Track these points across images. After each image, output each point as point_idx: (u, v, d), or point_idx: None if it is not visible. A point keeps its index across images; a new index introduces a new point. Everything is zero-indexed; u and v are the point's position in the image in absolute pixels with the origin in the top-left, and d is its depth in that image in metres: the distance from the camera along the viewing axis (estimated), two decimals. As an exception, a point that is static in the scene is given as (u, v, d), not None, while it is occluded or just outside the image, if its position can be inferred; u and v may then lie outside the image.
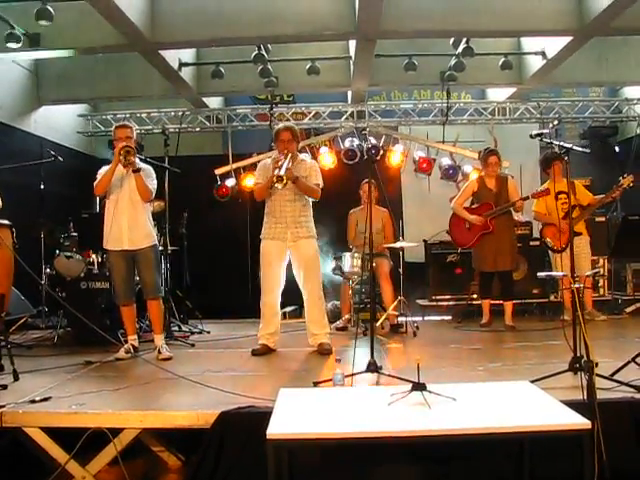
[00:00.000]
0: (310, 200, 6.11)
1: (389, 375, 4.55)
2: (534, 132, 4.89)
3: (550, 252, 7.56)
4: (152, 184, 5.92)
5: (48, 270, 7.40)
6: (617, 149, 10.69)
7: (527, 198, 7.27)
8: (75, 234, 7.33)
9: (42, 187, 8.05)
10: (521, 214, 7.84)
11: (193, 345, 6.70)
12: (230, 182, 10.27)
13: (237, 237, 9.95)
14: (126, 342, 5.96)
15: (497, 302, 7.68)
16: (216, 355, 6.18)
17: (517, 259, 7.62)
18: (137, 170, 5.72)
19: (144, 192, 5.80)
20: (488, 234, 7.33)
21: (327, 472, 3.65)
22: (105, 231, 5.87)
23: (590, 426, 2.92)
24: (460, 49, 8.43)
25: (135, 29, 7.09)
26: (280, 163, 5.77)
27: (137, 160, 5.76)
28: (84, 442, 3.86)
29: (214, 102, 10.91)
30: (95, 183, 5.83)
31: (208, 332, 7.63)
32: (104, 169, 5.86)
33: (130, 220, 5.80)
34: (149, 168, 5.98)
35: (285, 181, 5.67)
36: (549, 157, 7.35)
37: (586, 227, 7.55)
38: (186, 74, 9.11)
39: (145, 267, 5.93)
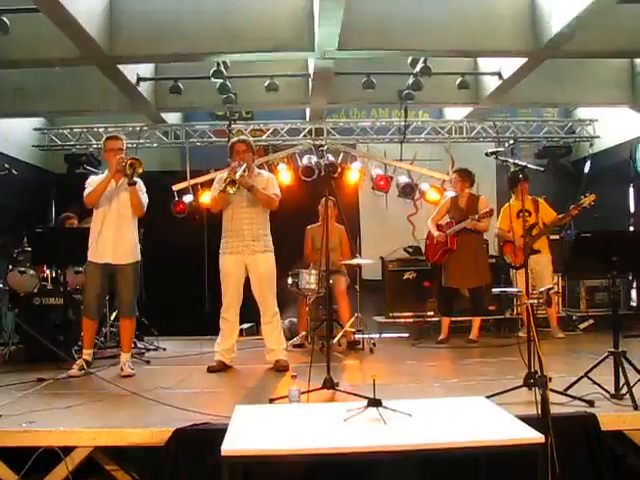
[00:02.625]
0: (267, 213, 6.11)
1: (345, 392, 4.54)
2: (489, 150, 4.99)
3: (510, 269, 7.68)
4: (145, 198, 5.94)
5: (0, 285, 7.25)
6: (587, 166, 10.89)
7: (474, 219, 7.40)
8: (29, 249, 7.20)
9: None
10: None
11: (148, 362, 6.64)
12: (188, 198, 10.22)
13: (194, 253, 9.87)
14: (79, 357, 5.86)
15: (457, 319, 7.79)
16: (171, 372, 6.12)
17: (487, 276, 7.69)
18: (134, 183, 5.73)
19: (138, 205, 5.83)
20: (451, 251, 7.47)
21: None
22: (90, 242, 5.84)
23: (543, 440, 2.96)
24: (418, 68, 8.53)
25: (93, 42, 7.00)
26: (234, 170, 5.81)
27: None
28: (34, 462, 3.77)
29: (172, 118, 10.84)
30: (86, 193, 5.81)
31: (164, 349, 7.58)
32: (93, 179, 5.90)
33: (116, 233, 5.80)
34: (141, 181, 5.97)
35: (237, 185, 5.72)
36: (515, 178, 7.45)
37: (548, 245, 7.68)
38: (144, 89, 9.04)
39: (125, 285, 5.90)
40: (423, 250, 8.36)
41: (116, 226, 5.80)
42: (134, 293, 6.01)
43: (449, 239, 7.51)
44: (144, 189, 6.00)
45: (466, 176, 7.73)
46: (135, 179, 5.79)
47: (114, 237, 5.78)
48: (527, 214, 7.38)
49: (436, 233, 7.61)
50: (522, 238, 6.80)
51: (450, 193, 7.93)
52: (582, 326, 8.43)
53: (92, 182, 5.88)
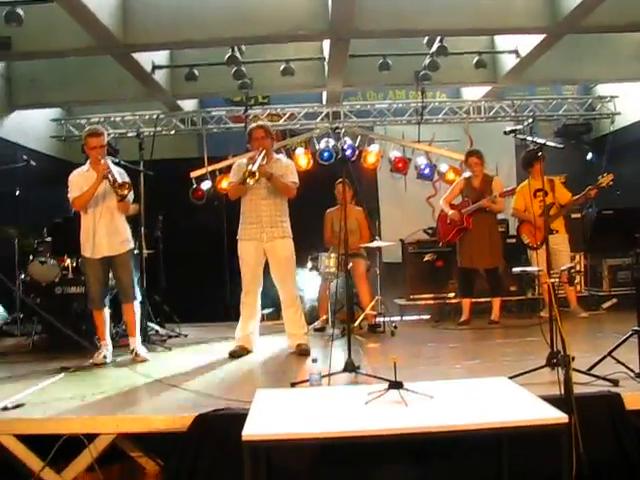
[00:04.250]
0: (286, 200, 6.10)
1: (366, 374, 4.54)
2: (508, 129, 4.93)
3: (528, 249, 7.60)
4: (131, 198, 5.89)
5: (22, 276, 7.30)
6: (589, 155, 10.76)
7: (495, 197, 7.35)
8: (49, 239, 7.24)
9: (17, 193, 7.93)
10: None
11: (170, 349, 6.66)
12: (206, 185, 10.24)
13: (213, 240, 9.88)
14: (102, 346, 5.90)
15: (477, 300, 7.74)
16: (193, 358, 6.12)
17: (499, 258, 7.65)
18: (122, 199, 5.71)
19: (124, 208, 5.87)
20: (466, 231, 7.44)
21: (306, 475, 3.63)
22: (82, 239, 5.87)
23: (567, 420, 2.93)
24: (434, 48, 8.45)
25: (107, 31, 7.02)
26: (254, 159, 5.76)
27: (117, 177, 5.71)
28: (59, 449, 3.81)
29: (188, 105, 10.85)
30: (72, 197, 5.78)
31: (185, 335, 7.60)
32: (76, 179, 5.84)
33: (108, 228, 5.82)
34: (123, 172, 5.94)
35: (257, 177, 5.67)
36: (530, 156, 7.36)
37: (565, 224, 7.59)
38: (160, 77, 9.04)
39: (122, 271, 5.92)
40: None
41: (107, 220, 5.81)
42: (133, 278, 6.01)
43: (465, 218, 7.47)
44: (132, 196, 5.94)
45: (482, 157, 7.66)
46: (124, 194, 5.71)
47: (107, 230, 5.80)
48: (543, 194, 7.31)
49: (450, 212, 7.56)
50: (540, 217, 6.82)
51: (467, 174, 7.85)
52: (605, 305, 8.33)
53: (75, 182, 5.82)
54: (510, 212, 7.97)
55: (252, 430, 2.94)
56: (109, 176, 5.63)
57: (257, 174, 5.66)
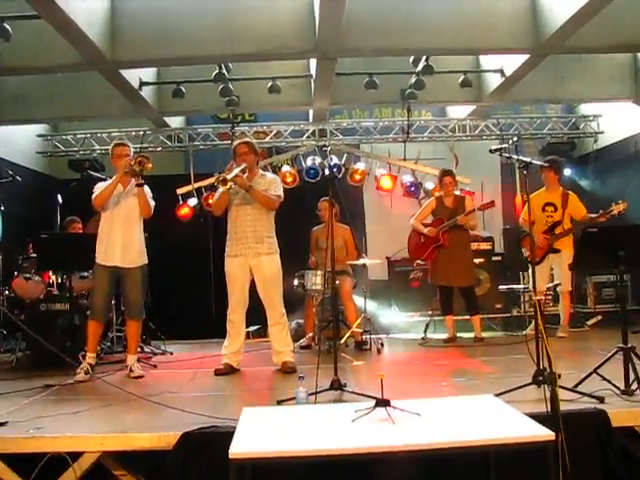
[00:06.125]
0: (272, 216, 6.11)
1: (353, 392, 4.52)
2: (494, 147, 4.96)
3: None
4: (151, 202, 6.02)
5: (6, 292, 7.24)
6: (568, 170, 10.81)
7: (472, 211, 7.42)
8: (34, 255, 7.19)
9: (1, 208, 7.88)
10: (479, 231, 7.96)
11: (155, 366, 6.62)
12: (192, 202, 10.26)
13: (200, 257, 9.88)
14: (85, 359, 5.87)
15: (459, 317, 7.76)
16: (178, 375, 6.10)
17: (473, 275, 7.69)
18: (142, 184, 5.85)
19: (145, 206, 5.95)
20: (441, 249, 7.47)
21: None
22: (98, 245, 5.92)
23: (554, 437, 2.94)
24: (420, 67, 8.52)
25: (94, 48, 7.02)
26: (230, 169, 5.85)
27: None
28: (42, 468, 3.76)
29: (175, 122, 10.87)
30: (94, 196, 5.91)
31: (171, 353, 7.56)
32: (102, 184, 5.99)
33: (125, 237, 5.89)
34: (148, 188, 6.06)
35: (229, 185, 5.74)
36: (556, 164, 7.30)
37: (573, 243, 7.24)
38: (147, 93, 9.05)
39: (133, 287, 5.97)
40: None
41: (124, 229, 5.90)
42: (142, 295, 6.07)
43: (441, 234, 7.51)
44: (151, 194, 6.08)
45: (455, 177, 7.77)
46: (142, 181, 5.87)
47: (122, 240, 5.87)
48: (552, 209, 7.29)
49: (426, 230, 7.59)
50: (543, 234, 6.84)
51: (438, 194, 7.95)
52: (590, 322, 8.38)
53: (101, 186, 5.98)
54: (502, 229, 7.98)
55: (239, 448, 2.92)
56: (130, 166, 5.79)
57: (228, 181, 5.71)
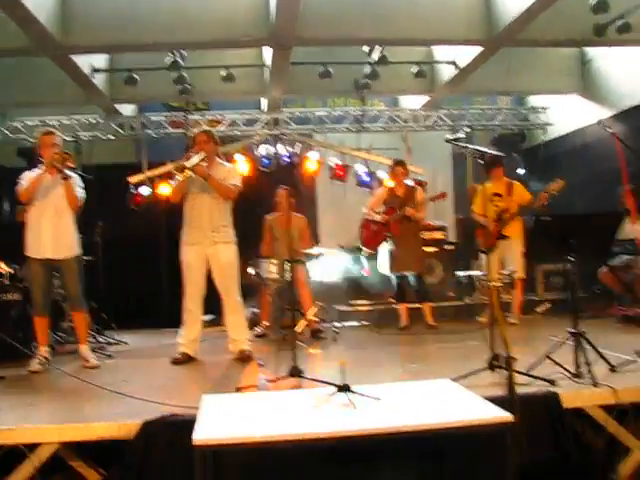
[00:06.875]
0: (229, 205, 6.10)
1: (312, 379, 4.55)
2: (449, 137, 5.04)
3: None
4: (80, 192, 5.88)
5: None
6: (521, 170, 11.00)
7: (423, 202, 7.54)
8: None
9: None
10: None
11: (110, 356, 6.56)
12: (145, 190, 10.14)
13: (153, 246, 9.80)
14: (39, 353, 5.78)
15: (414, 306, 7.86)
16: (135, 365, 6.07)
17: (423, 263, 7.84)
18: (66, 177, 5.67)
19: (73, 200, 5.77)
20: (393, 238, 7.55)
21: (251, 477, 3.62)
22: (28, 239, 5.76)
23: (512, 419, 3.02)
24: (375, 57, 8.57)
25: (45, 32, 6.88)
26: (188, 157, 5.82)
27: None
28: (-1, 461, 3.72)
29: (127, 109, 10.72)
30: (20, 189, 5.72)
31: (125, 343, 7.49)
32: (27, 175, 5.77)
33: (55, 229, 5.72)
34: (77, 176, 5.94)
35: (187, 173, 5.72)
36: (490, 161, 7.45)
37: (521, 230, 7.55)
38: (99, 80, 8.92)
39: (70, 278, 5.85)
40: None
41: (54, 221, 5.73)
42: (80, 285, 5.95)
43: (392, 224, 7.61)
44: (81, 184, 5.95)
45: (407, 168, 7.89)
46: (69, 173, 5.75)
47: (53, 232, 5.71)
48: (498, 198, 7.46)
49: (378, 217, 7.71)
50: (492, 223, 7.00)
51: (390, 183, 8.06)
52: (539, 310, 8.56)
53: (26, 177, 5.77)
54: (455, 218, 8.12)
55: (202, 435, 2.94)
56: (51, 161, 5.59)
57: (186, 169, 5.70)
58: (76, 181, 5.88)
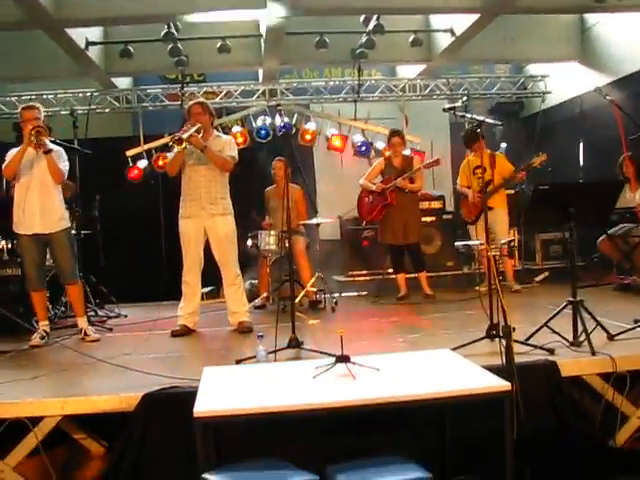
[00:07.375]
0: (226, 177, 6.09)
1: (311, 350, 4.59)
2: (447, 106, 5.01)
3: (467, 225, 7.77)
4: (64, 165, 5.83)
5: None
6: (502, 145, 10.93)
7: (419, 169, 7.53)
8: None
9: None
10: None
11: (111, 329, 6.59)
12: (142, 163, 10.11)
13: (151, 219, 9.76)
14: (39, 328, 5.81)
15: (411, 275, 7.89)
16: (135, 338, 6.07)
17: (419, 233, 7.87)
18: (48, 151, 5.62)
19: (56, 173, 5.70)
20: (390, 208, 7.54)
21: (251, 448, 3.65)
22: (15, 215, 5.74)
23: (510, 388, 3.05)
24: (371, 26, 8.50)
25: (38, 5, 6.80)
26: (185, 130, 5.79)
27: (47, 141, 5.61)
28: (2, 434, 3.75)
29: (123, 82, 10.65)
30: (4, 166, 5.70)
31: (125, 316, 7.52)
32: (12, 152, 5.73)
33: (42, 203, 5.69)
34: (60, 149, 5.89)
35: (184, 145, 5.70)
36: (471, 134, 7.44)
37: (506, 200, 7.76)
38: (93, 53, 8.83)
39: (60, 252, 5.83)
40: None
41: (41, 195, 5.70)
42: (72, 258, 5.94)
43: (388, 193, 7.59)
44: (65, 156, 5.91)
45: (404, 138, 7.92)
46: (51, 146, 5.69)
47: (40, 206, 5.69)
48: (481, 171, 7.45)
49: (374, 186, 7.68)
50: (477, 195, 7.00)
51: (387, 153, 8.04)
52: (538, 278, 8.60)
53: (10, 154, 5.75)
54: (453, 188, 8.11)
55: (203, 407, 2.96)
56: (32, 133, 5.51)
57: (183, 141, 5.68)
58: (59, 154, 5.83)
